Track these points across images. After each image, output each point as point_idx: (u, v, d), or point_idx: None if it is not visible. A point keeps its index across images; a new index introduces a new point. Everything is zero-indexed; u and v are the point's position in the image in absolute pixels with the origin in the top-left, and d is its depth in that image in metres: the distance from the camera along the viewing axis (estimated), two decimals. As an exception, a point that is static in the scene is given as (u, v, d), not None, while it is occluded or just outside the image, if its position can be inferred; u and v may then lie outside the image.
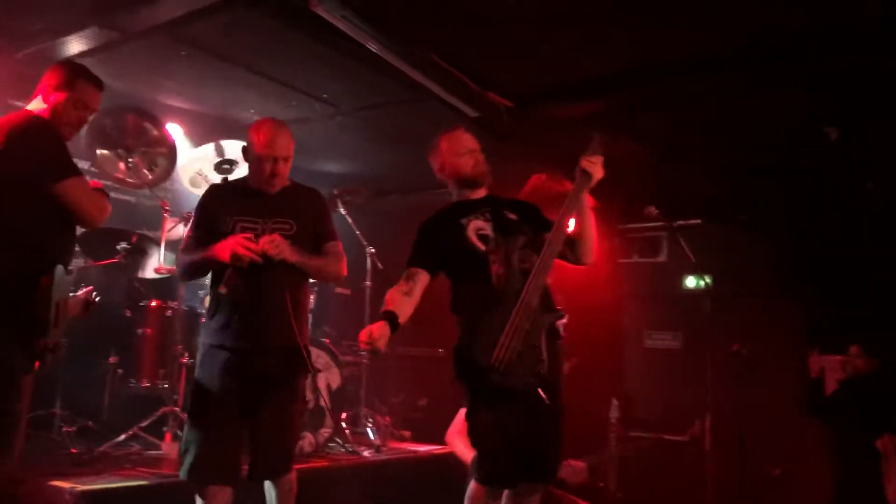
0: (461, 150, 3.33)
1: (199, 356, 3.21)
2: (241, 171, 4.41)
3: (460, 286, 3.23)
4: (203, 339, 3.21)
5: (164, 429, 4.43)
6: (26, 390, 2.79)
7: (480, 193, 3.37)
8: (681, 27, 3.94)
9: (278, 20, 4.03)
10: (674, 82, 4.55)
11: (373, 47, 4.10)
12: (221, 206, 3.21)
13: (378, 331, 2.88)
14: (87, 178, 3.05)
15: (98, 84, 3.05)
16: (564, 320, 3.17)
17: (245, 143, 3.25)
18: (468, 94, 4.72)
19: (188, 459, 3.01)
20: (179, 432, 4.46)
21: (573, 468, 4.56)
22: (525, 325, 2.92)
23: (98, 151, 4.65)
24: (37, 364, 2.78)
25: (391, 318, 2.97)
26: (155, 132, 4.76)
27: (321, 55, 4.46)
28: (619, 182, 5.95)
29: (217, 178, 4.28)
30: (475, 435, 3.11)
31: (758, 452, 5.63)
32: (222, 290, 3.00)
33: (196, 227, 3.23)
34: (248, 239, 3.00)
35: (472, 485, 3.12)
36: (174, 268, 4.86)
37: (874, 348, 5.07)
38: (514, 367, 2.89)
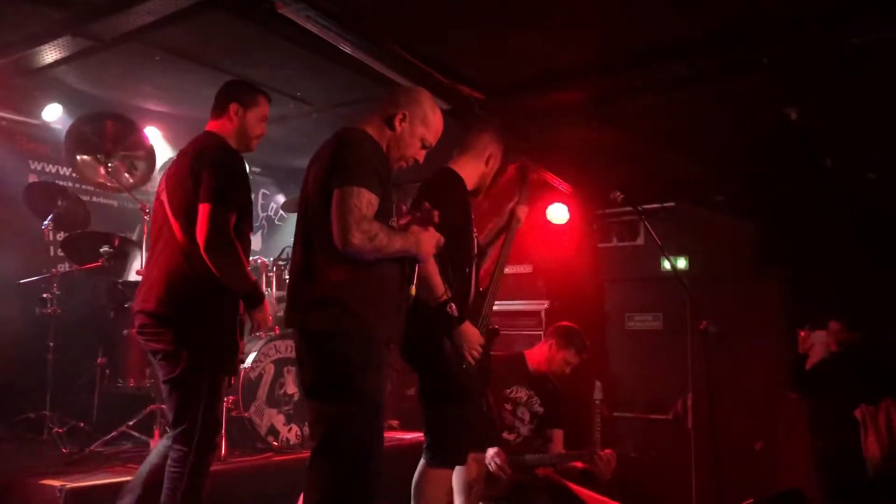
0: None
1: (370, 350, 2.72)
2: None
3: None
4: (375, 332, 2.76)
5: (154, 426, 4.52)
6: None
7: None
8: (649, 15, 4.02)
9: (248, 22, 4.10)
10: (644, 69, 4.63)
11: (341, 45, 4.17)
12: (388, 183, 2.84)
13: None
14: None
15: (269, 98, 3.41)
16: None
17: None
18: (439, 88, 4.78)
19: None
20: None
21: (605, 458, 4.39)
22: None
23: (78, 157, 4.75)
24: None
25: None
26: (133, 136, 4.84)
27: (293, 54, 4.53)
28: (595, 168, 6.10)
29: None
30: None
31: (739, 428, 5.76)
32: (413, 291, 2.86)
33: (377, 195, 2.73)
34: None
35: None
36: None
37: (854, 323, 5.20)
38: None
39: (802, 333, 5.28)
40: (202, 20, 4.09)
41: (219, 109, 3.33)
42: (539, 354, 4.47)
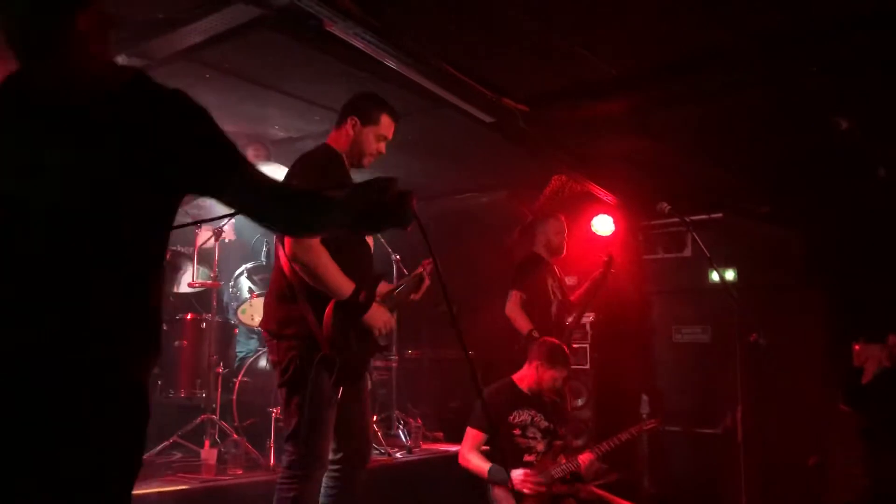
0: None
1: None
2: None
3: None
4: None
5: (204, 436, 4.60)
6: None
7: None
8: (692, 22, 4.00)
9: (296, 40, 4.18)
10: (687, 78, 4.60)
11: (385, 61, 4.22)
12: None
13: None
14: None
15: (397, 117, 3.34)
16: None
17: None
18: (484, 102, 4.81)
19: None
20: (218, 439, 4.65)
21: (583, 463, 4.32)
22: None
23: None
24: None
25: None
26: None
27: (340, 71, 4.59)
28: (640, 179, 6.06)
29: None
30: None
31: (790, 442, 5.66)
32: None
33: None
34: None
35: None
36: (207, 281, 5.05)
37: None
38: None
39: (857, 347, 5.18)
40: (250, 39, 4.16)
41: (338, 121, 3.36)
42: (528, 377, 4.50)
